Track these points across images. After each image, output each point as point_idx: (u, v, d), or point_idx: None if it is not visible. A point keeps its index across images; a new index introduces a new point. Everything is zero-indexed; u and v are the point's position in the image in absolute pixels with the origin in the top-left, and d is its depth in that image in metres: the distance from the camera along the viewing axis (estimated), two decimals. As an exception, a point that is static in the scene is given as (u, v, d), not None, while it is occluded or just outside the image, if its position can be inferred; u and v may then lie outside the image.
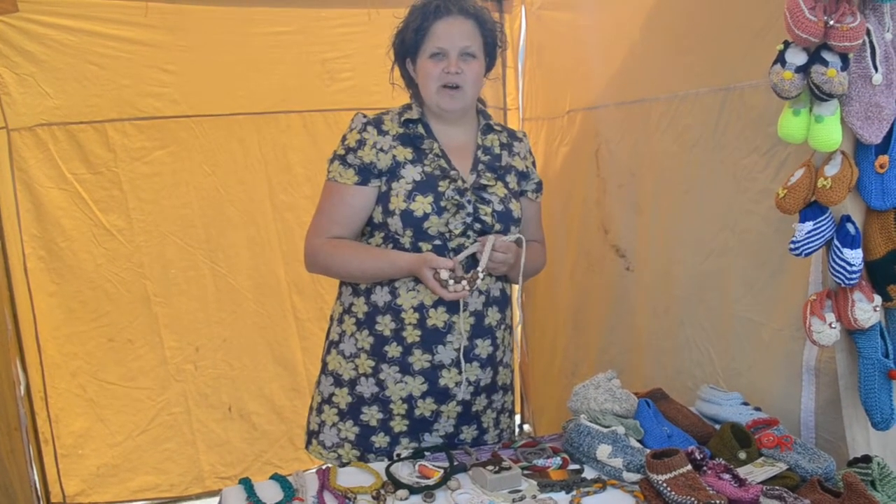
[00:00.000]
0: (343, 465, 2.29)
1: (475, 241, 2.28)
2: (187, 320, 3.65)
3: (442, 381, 2.32)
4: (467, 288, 2.14)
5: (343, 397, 2.38)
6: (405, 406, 2.33)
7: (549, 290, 3.69)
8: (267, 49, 3.51)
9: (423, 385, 2.31)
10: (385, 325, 2.31)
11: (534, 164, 2.54)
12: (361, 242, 2.37)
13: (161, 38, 3.36)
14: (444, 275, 2.13)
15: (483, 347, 2.35)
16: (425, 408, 2.33)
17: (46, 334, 3.46)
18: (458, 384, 2.33)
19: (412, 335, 2.29)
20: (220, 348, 3.72)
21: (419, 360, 2.30)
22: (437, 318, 2.28)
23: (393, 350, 2.31)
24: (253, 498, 1.90)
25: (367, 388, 2.34)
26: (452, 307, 2.28)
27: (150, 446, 3.69)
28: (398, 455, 2.19)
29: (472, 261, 2.26)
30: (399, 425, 2.34)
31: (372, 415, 2.35)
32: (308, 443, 2.51)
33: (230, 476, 3.77)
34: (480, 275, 2.16)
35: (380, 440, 2.35)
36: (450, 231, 2.26)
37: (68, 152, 3.36)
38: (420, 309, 2.28)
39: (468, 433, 2.41)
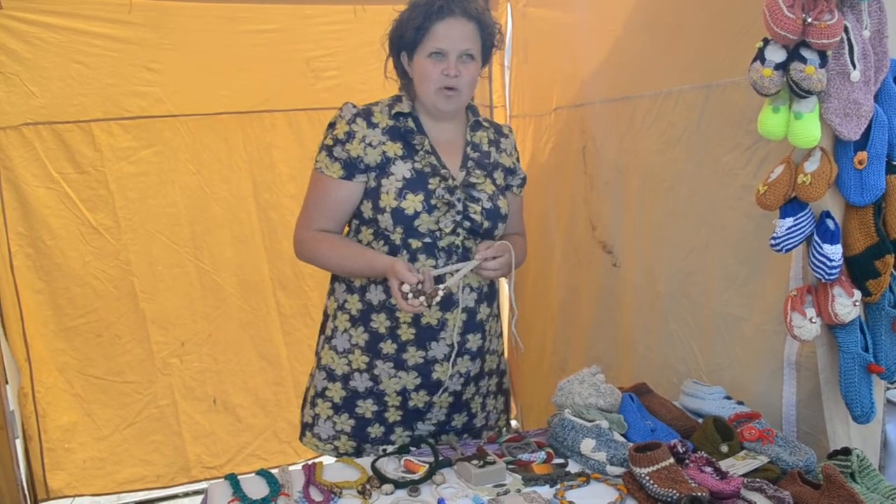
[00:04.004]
0: (340, 455, 2.34)
1: (463, 239, 2.30)
2: (173, 316, 3.67)
3: (435, 375, 2.36)
4: (425, 304, 2.13)
5: (336, 392, 2.41)
6: (399, 398, 2.37)
7: (539, 286, 3.69)
8: (251, 47, 3.52)
9: (417, 379, 2.35)
10: (380, 322, 2.33)
11: (518, 159, 2.55)
12: (345, 238, 2.38)
13: (145, 35, 3.36)
14: (406, 288, 2.12)
15: (473, 341, 2.39)
16: (419, 399, 2.38)
17: (33, 331, 3.46)
18: (450, 377, 2.37)
19: (407, 333, 2.32)
20: (205, 343, 3.74)
21: (413, 356, 2.33)
22: (431, 316, 2.31)
23: (388, 347, 2.34)
24: (239, 493, 1.90)
25: (360, 382, 2.38)
26: (445, 305, 2.31)
27: (136, 439, 3.71)
28: (384, 450, 2.20)
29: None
30: (393, 416, 2.39)
31: (367, 407, 2.39)
32: (302, 435, 2.53)
33: (215, 466, 3.82)
34: (440, 292, 2.15)
35: (375, 430, 2.40)
36: (440, 229, 2.27)
37: (55, 152, 3.36)
38: None
39: (459, 420, 2.46)
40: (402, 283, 2.13)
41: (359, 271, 2.31)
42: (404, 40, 2.32)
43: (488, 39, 2.35)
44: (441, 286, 2.17)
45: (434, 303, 2.15)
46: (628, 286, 3.00)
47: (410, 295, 2.12)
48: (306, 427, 2.52)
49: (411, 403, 2.38)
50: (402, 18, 2.33)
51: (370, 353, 2.36)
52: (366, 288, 2.35)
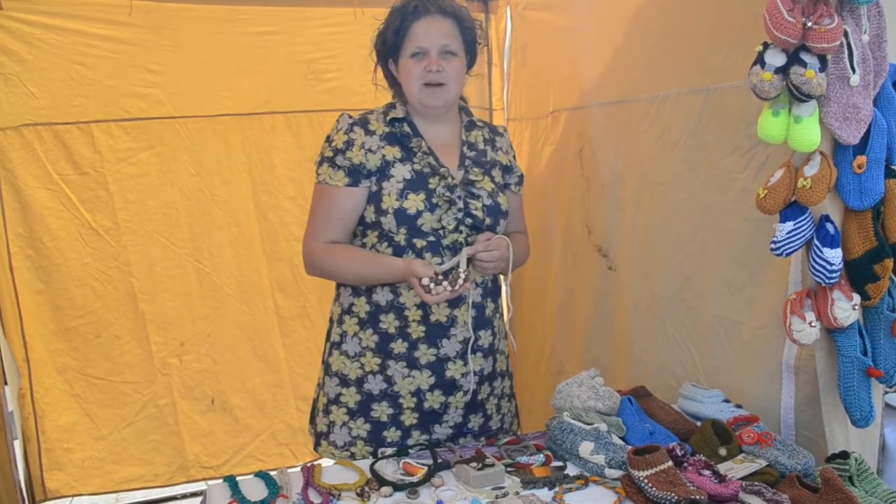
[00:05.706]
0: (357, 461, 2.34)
1: (466, 237, 2.32)
2: (172, 317, 3.68)
3: (448, 373, 2.36)
4: (449, 288, 2.15)
5: (351, 396, 2.41)
6: (414, 400, 2.37)
7: (537, 289, 3.69)
8: (252, 49, 3.52)
9: (431, 378, 2.36)
10: (389, 322, 2.34)
11: (514, 157, 2.59)
12: (356, 247, 2.39)
13: (146, 37, 3.36)
14: (425, 281, 2.15)
15: (485, 338, 2.41)
16: (434, 400, 2.38)
17: (33, 331, 3.47)
18: (464, 375, 2.37)
19: (417, 331, 2.34)
20: (203, 343, 3.75)
21: (425, 354, 2.34)
22: (440, 313, 2.33)
23: (399, 346, 2.34)
24: (237, 495, 1.91)
25: (375, 385, 2.38)
26: (454, 301, 2.32)
27: (136, 438, 3.72)
28: (382, 453, 2.20)
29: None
30: (409, 419, 2.38)
31: (382, 410, 2.38)
32: (317, 444, 2.53)
33: (213, 466, 3.83)
34: (462, 275, 2.17)
35: (392, 434, 2.39)
36: (443, 227, 2.30)
37: (54, 153, 3.37)
38: (423, 306, 2.32)
39: (475, 421, 2.46)
40: (422, 279, 2.16)
41: (374, 278, 2.32)
42: (387, 46, 2.38)
43: (468, 34, 2.39)
44: (461, 269, 2.19)
45: (458, 286, 2.16)
46: (625, 289, 3.00)
47: (432, 285, 2.14)
48: (321, 436, 2.50)
49: (426, 405, 2.38)
50: (382, 26, 2.39)
51: (382, 354, 2.36)
52: (372, 290, 2.36)
